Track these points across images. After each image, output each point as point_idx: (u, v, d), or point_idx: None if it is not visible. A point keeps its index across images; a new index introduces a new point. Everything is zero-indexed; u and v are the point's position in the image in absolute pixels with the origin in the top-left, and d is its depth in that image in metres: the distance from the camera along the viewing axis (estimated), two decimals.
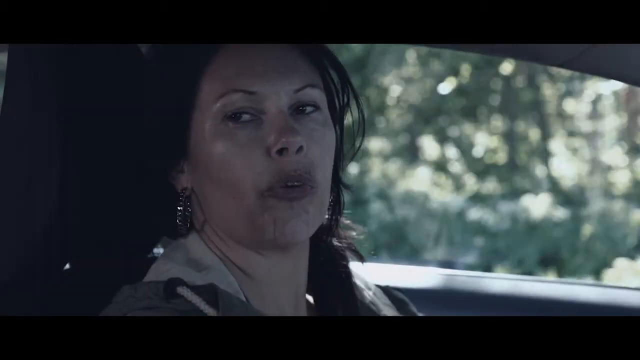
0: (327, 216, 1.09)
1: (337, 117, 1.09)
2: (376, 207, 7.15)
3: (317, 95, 1.04)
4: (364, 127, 1.11)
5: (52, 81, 1.05)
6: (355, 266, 1.17)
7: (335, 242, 1.14)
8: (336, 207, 1.11)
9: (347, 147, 1.12)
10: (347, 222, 1.16)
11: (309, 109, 1.03)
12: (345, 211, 1.13)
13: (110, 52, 1.11)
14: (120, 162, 1.09)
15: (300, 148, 1.00)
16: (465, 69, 7.94)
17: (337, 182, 1.11)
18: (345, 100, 1.10)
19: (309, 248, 1.09)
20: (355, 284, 1.16)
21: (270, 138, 1.00)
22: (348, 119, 1.12)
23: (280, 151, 0.99)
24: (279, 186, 1.00)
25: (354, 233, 1.16)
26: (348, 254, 1.16)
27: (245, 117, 1.01)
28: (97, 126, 1.08)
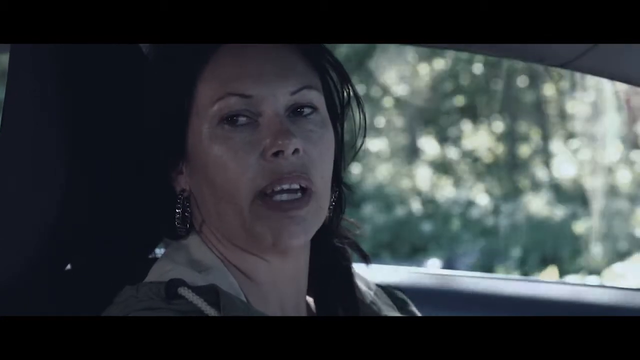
0: (328, 215, 1.08)
1: (337, 118, 1.09)
2: (378, 207, 7.15)
3: (314, 96, 1.03)
4: (365, 127, 1.11)
5: (54, 81, 1.05)
6: (356, 266, 1.17)
7: (337, 242, 1.14)
8: (337, 207, 1.11)
9: (348, 147, 1.12)
10: (350, 220, 1.16)
11: (306, 110, 1.03)
12: (347, 209, 1.13)
13: (112, 52, 1.11)
14: (123, 163, 1.09)
15: (296, 150, 0.99)
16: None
17: (339, 182, 1.10)
18: (346, 100, 1.10)
19: (309, 248, 1.09)
20: (356, 284, 1.16)
21: (266, 141, 0.99)
22: (349, 119, 1.11)
23: (276, 154, 0.99)
24: (273, 192, 0.99)
25: (357, 231, 1.16)
26: (351, 253, 1.16)
27: (242, 120, 1.01)
28: (99, 126, 1.08)
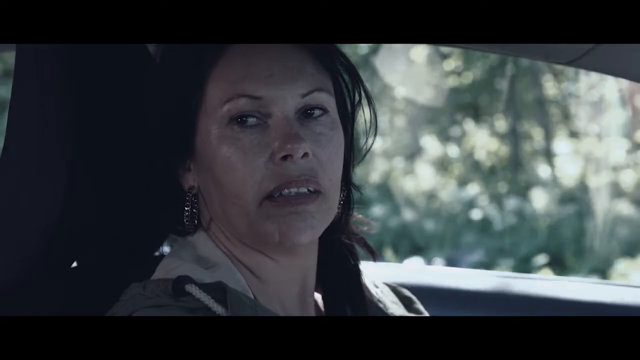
0: (337, 213, 1.08)
1: (347, 119, 1.09)
2: (379, 206, 7.15)
3: (325, 98, 1.03)
4: (376, 127, 1.11)
5: (59, 81, 1.05)
6: (363, 264, 1.17)
7: (345, 240, 1.14)
8: (346, 205, 1.11)
9: (357, 147, 1.12)
10: (359, 217, 1.15)
11: (316, 112, 1.02)
12: (356, 206, 1.13)
13: (118, 52, 1.11)
14: (128, 161, 1.09)
15: (305, 154, 0.99)
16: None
17: (347, 182, 1.10)
18: (357, 100, 1.09)
19: (317, 246, 1.09)
20: (363, 282, 1.16)
21: (275, 144, 0.99)
22: (359, 118, 1.11)
23: (285, 157, 0.99)
24: (281, 193, 0.99)
25: (365, 228, 1.16)
26: (359, 250, 1.16)
27: (251, 120, 1.00)
28: (105, 125, 1.09)
